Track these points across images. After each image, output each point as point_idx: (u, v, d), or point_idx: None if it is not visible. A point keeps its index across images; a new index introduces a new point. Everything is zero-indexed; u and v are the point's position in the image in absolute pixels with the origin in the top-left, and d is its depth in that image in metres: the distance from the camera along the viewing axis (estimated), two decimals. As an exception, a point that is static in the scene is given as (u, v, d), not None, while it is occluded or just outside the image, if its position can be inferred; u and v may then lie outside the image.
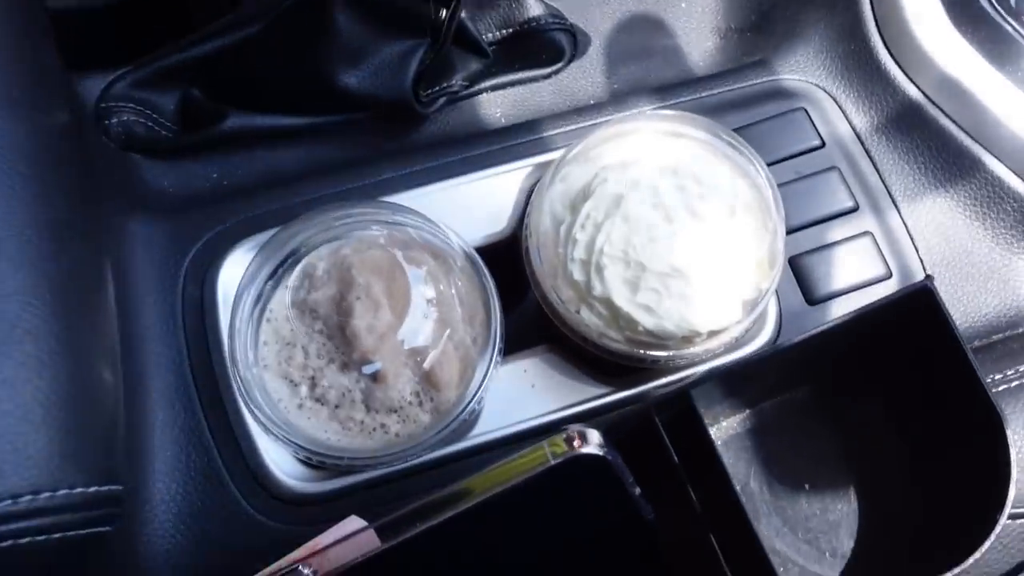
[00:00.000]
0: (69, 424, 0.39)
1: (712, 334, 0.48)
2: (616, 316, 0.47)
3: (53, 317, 0.39)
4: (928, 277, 0.43)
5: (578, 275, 0.47)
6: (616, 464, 0.40)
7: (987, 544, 0.39)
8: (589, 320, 0.48)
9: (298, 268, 0.47)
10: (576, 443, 0.39)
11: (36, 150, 0.41)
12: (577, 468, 0.39)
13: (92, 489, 0.39)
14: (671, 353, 0.48)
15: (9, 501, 0.36)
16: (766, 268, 0.49)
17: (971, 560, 0.40)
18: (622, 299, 0.46)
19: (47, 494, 0.37)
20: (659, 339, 0.47)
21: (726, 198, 0.48)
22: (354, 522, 0.38)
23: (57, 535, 0.38)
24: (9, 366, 0.37)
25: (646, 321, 0.46)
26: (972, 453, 0.45)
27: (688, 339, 0.47)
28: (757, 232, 0.49)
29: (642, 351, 0.47)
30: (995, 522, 0.39)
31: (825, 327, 0.44)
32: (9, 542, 0.36)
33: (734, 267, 0.48)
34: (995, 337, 0.55)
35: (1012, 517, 0.47)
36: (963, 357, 0.42)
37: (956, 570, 0.39)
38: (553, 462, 0.38)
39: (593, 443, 0.39)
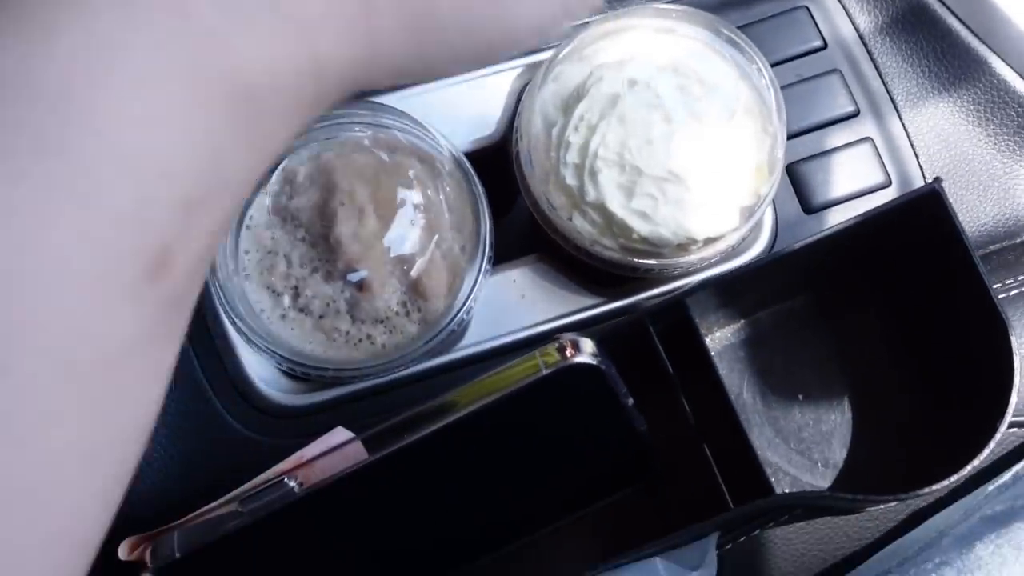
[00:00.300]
0: None
1: (708, 241, 0.46)
2: (610, 223, 0.45)
3: None
4: (936, 180, 0.42)
5: (571, 180, 0.46)
6: (610, 374, 0.39)
7: (986, 452, 0.39)
8: (582, 227, 0.46)
9: (278, 172, 0.45)
10: (569, 352, 0.38)
11: None
12: (570, 378, 0.38)
13: None
14: (665, 261, 0.46)
15: None
16: (765, 174, 0.47)
17: (968, 469, 0.39)
18: (616, 205, 0.45)
19: None
20: (654, 247, 0.45)
21: (727, 100, 0.46)
22: (340, 434, 0.37)
23: None
24: None
25: (641, 228, 0.45)
26: (972, 360, 0.44)
27: (683, 247, 0.46)
28: (756, 136, 0.47)
29: (636, 259, 0.46)
30: (995, 429, 0.38)
31: (827, 232, 0.43)
32: None
33: (732, 172, 0.46)
34: (992, 247, 0.54)
35: (1010, 426, 0.46)
36: (970, 263, 0.41)
37: (953, 478, 0.39)
38: (545, 372, 0.37)
39: (586, 352, 0.38)
